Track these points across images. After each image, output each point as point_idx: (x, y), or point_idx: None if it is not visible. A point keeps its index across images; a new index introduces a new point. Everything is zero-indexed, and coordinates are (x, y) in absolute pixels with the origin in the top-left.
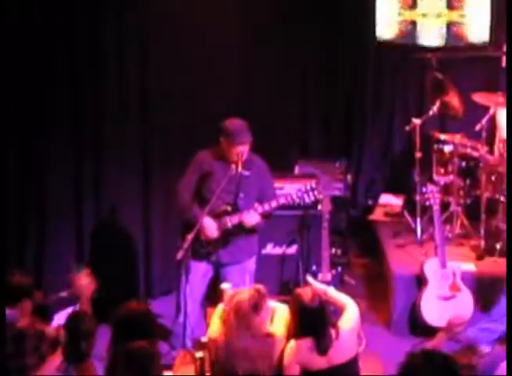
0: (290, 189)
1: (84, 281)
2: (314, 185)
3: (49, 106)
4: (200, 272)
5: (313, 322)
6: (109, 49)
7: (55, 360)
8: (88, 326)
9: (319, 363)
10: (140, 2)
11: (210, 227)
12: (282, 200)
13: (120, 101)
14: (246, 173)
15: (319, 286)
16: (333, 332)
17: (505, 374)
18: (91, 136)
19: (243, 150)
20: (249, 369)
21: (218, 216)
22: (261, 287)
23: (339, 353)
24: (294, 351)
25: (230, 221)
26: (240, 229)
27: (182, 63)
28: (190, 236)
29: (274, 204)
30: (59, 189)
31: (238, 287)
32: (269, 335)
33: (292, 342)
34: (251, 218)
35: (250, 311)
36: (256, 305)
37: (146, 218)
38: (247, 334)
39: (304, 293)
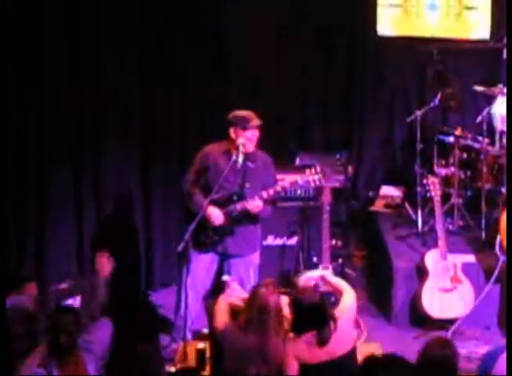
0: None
1: (105, 259)
2: (318, 169)
3: (49, 102)
4: (203, 264)
5: (314, 316)
6: (108, 50)
7: (38, 355)
8: (70, 320)
9: (319, 356)
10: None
11: (216, 214)
12: (287, 185)
13: (120, 100)
14: (251, 165)
15: (316, 273)
16: (332, 324)
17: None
18: (91, 133)
19: (254, 135)
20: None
21: (224, 205)
22: (274, 281)
23: (338, 345)
24: (292, 347)
25: (236, 208)
26: (245, 218)
27: (183, 60)
28: (191, 227)
29: (279, 188)
30: (60, 179)
31: (243, 281)
32: (283, 333)
33: (289, 338)
34: (255, 204)
35: (277, 311)
36: (280, 303)
37: (147, 211)
38: (274, 333)
39: (304, 289)
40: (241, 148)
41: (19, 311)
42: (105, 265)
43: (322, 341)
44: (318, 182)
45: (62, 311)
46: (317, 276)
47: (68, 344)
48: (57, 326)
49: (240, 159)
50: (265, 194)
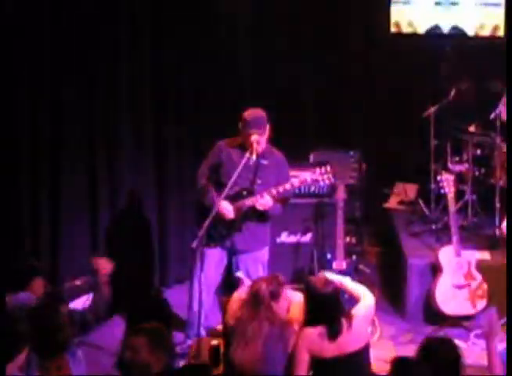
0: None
1: (102, 261)
2: (328, 168)
3: (63, 93)
4: (213, 260)
5: (324, 308)
6: (123, 45)
7: (21, 358)
8: (55, 320)
9: (330, 350)
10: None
11: (227, 208)
12: (296, 183)
13: (134, 91)
14: (264, 162)
15: (335, 277)
16: (344, 320)
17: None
18: (106, 124)
19: (256, 138)
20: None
21: (233, 200)
22: (279, 275)
23: (351, 341)
24: (304, 338)
25: (245, 204)
26: (254, 215)
27: (195, 56)
28: (205, 224)
29: (288, 186)
30: (75, 177)
31: (251, 277)
32: (287, 323)
33: (302, 329)
34: (264, 201)
35: (268, 298)
36: (274, 293)
37: (161, 207)
38: (266, 321)
39: (317, 280)
40: (255, 145)
41: (24, 309)
42: (104, 265)
43: (333, 335)
44: (327, 181)
45: (49, 308)
46: (336, 282)
47: (53, 343)
48: (45, 324)
49: (254, 155)
50: (274, 191)
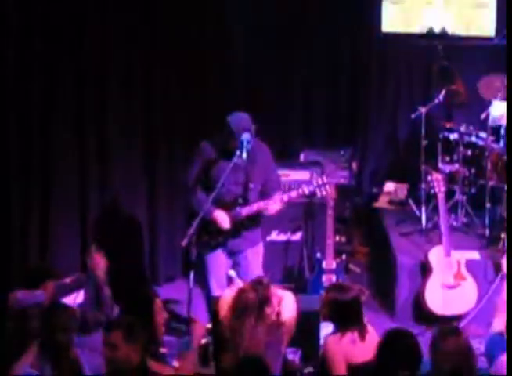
0: (302, 181)
1: (97, 259)
2: (325, 179)
3: (53, 94)
4: (220, 262)
5: (355, 309)
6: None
7: (30, 355)
8: (65, 318)
9: (364, 352)
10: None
11: (224, 219)
12: (294, 194)
13: (124, 91)
14: (254, 162)
15: None
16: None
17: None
18: (96, 123)
19: (247, 137)
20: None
21: (229, 207)
22: (262, 278)
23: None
24: (338, 346)
25: (241, 214)
26: (247, 220)
27: (186, 53)
28: (195, 223)
29: (294, 194)
30: (65, 176)
31: (253, 272)
32: (279, 325)
33: (332, 337)
34: (275, 206)
35: (259, 307)
36: (263, 299)
37: (151, 206)
38: (258, 326)
39: (336, 287)
40: (245, 143)
41: (36, 307)
42: (99, 263)
43: (364, 335)
44: (324, 193)
45: (57, 308)
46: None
47: (63, 342)
48: (52, 323)
49: (245, 154)
50: (285, 197)
